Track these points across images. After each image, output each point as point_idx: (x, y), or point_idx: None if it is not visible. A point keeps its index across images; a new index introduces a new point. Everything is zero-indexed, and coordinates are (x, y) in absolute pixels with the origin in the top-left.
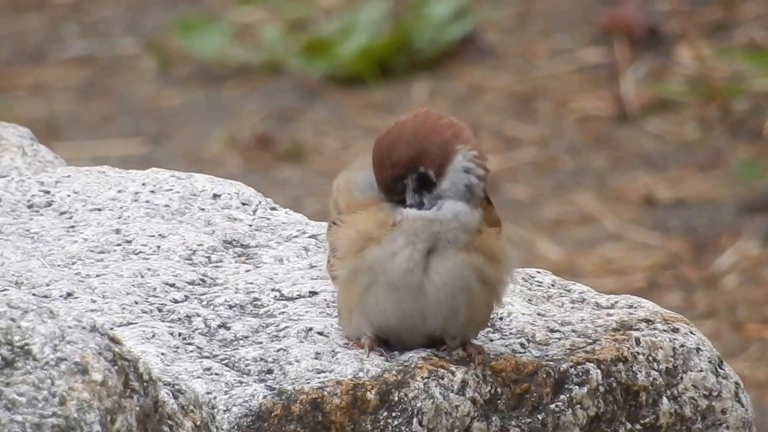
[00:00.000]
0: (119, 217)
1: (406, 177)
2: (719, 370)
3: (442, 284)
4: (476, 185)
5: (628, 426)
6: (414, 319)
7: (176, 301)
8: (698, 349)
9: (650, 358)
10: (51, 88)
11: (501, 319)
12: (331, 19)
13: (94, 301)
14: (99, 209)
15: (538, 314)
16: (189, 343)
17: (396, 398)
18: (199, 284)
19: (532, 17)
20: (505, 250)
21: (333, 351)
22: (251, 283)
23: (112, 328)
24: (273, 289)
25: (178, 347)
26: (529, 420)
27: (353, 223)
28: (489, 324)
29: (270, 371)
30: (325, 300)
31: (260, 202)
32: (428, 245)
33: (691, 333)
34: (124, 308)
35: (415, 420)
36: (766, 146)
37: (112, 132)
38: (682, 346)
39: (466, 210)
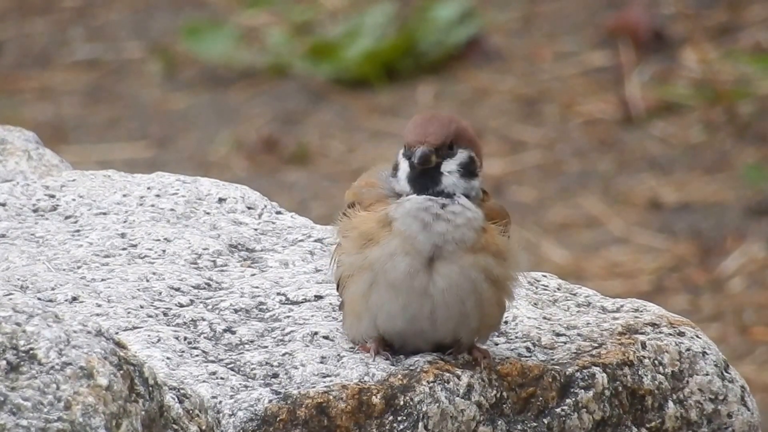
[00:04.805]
0: (124, 221)
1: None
2: (725, 374)
3: (448, 287)
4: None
5: (634, 430)
6: (422, 323)
7: (181, 306)
8: (704, 353)
9: (656, 361)
10: (57, 91)
11: (506, 323)
12: (336, 22)
13: (99, 306)
14: (104, 213)
15: (544, 318)
16: (194, 348)
17: (402, 402)
18: (204, 288)
19: (537, 20)
20: (511, 246)
21: (338, 355)
22: (257, 287)
23: (117, 333)
24: (278, 293)
25: (183, 351)
26: (535, 424)
27: (358, 220)
28: (499, 327)
29: (275, 375)
30: (330, 304)
31: (266, 206)
32: (428, 254)
33: (697, 336)
34: (129, 312)
35: (420, 424)
36: None
37: (119, 135)
38: (688, 349)
39: (472, 206)
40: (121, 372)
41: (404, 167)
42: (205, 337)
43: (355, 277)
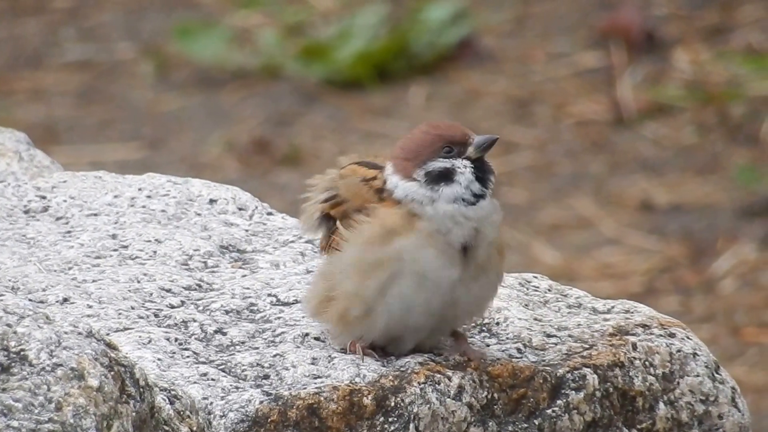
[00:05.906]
0: (115, 223)
1: (466, 144)
2: (716, 375)
3: (477, 283)
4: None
5: (625, 431)
6: (442, 312)
7: (172, 307)
8: (695, 354)
9: (647, 363)
10: (49, 92)
11: (498, 324)
12: (328, 23)
13: (90, 307)
14: (95, 214)
15: (535, 319)
16: (185, 349)
17: (392, 403)
18: (195, 289)
19: (529, 21)
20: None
21: (329, 356)
22: (247, 289)
23: (108, 334)
24: (269, 295)
25: (174, 353)
26: (526, 425)
27: (377, 217)
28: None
29: (266, 377)
30: None
31: (256, 207)
32: (462, 241)
33: (688, 338)
34: (120, 314)
35: (411, 425)
36: (764, 150)
37: (110, 136)
38: (679, 351)
39: (495, 205)
40: (112, 373)
41: (463, 165)
42: (196, 339)
43: (371, 270)
